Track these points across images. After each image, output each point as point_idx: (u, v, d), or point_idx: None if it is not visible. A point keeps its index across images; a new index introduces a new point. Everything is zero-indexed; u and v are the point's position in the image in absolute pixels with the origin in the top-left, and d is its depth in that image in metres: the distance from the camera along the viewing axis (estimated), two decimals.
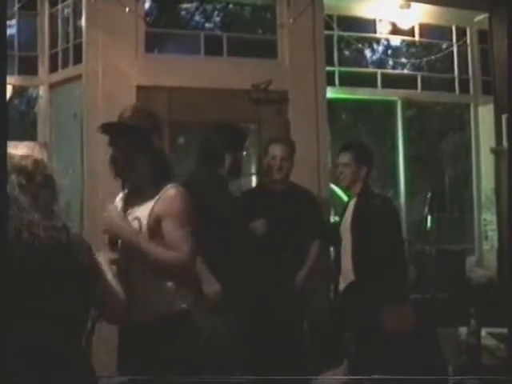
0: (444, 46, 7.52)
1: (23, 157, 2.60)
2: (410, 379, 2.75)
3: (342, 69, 7.01)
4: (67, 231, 2.55)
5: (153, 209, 3.22)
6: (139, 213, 3.26)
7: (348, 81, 7.03)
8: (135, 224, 3.23)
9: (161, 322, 3.18)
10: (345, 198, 5.73)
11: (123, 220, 3.25)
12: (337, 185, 5.25)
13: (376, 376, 3.08)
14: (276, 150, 5.09)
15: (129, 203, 3.37)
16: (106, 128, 3.33)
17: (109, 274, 2.82)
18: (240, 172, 4.78)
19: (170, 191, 3.25)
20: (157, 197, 3.24)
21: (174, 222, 3.20)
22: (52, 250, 2.50)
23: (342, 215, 5.17)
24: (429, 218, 4.97)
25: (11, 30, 6.12)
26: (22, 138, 5.96)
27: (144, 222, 3.23)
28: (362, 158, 5.01)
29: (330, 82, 6.76)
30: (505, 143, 7.11)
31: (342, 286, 4.99)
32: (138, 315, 3.14)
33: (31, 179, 2.55)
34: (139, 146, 3.26)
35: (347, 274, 4.91)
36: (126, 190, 3.43)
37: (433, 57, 7.34)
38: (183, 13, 6.70)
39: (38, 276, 2.46)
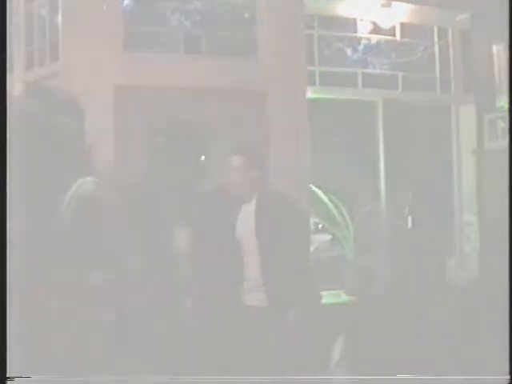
0: (425, 45, 7.48)
1: None
2: None
3: (323, 68, 6.97)
4: None
5: None
6: None
7: (329, 80, 6.99)
8: None
9: None
10: (327, 201, 5.67)
11: None
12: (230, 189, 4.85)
13: (374, 376, 3.03)
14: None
15: None
16: None
17: None
18: None
19: None
20: None
21: None
22: None
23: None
24: (409, 218, 4.95)
25: None
26: None
27: None
28: (254, 161, 4.84)
29: (311, 82, 6.72)
30: (486, 144, 7.11)
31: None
32: None
33: None
34: None
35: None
36: None
37: (414, 57, 7.31)
38: (162, 11, 6.63)
39: None
